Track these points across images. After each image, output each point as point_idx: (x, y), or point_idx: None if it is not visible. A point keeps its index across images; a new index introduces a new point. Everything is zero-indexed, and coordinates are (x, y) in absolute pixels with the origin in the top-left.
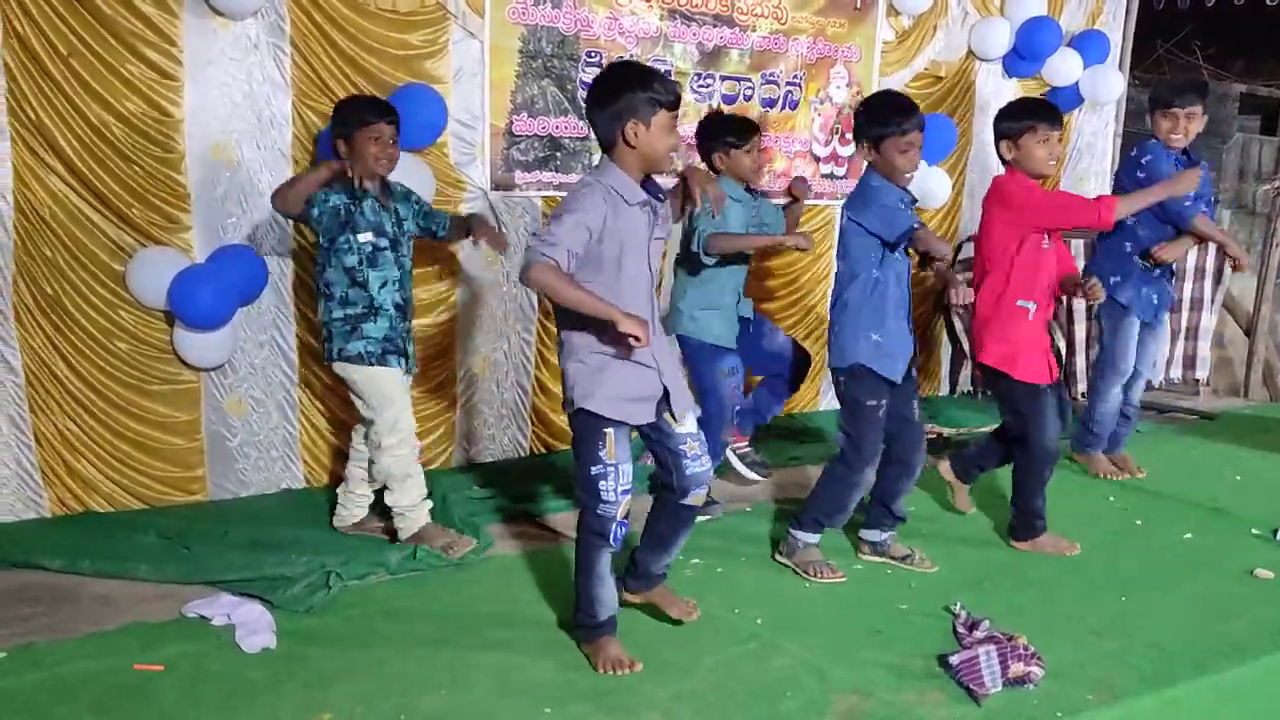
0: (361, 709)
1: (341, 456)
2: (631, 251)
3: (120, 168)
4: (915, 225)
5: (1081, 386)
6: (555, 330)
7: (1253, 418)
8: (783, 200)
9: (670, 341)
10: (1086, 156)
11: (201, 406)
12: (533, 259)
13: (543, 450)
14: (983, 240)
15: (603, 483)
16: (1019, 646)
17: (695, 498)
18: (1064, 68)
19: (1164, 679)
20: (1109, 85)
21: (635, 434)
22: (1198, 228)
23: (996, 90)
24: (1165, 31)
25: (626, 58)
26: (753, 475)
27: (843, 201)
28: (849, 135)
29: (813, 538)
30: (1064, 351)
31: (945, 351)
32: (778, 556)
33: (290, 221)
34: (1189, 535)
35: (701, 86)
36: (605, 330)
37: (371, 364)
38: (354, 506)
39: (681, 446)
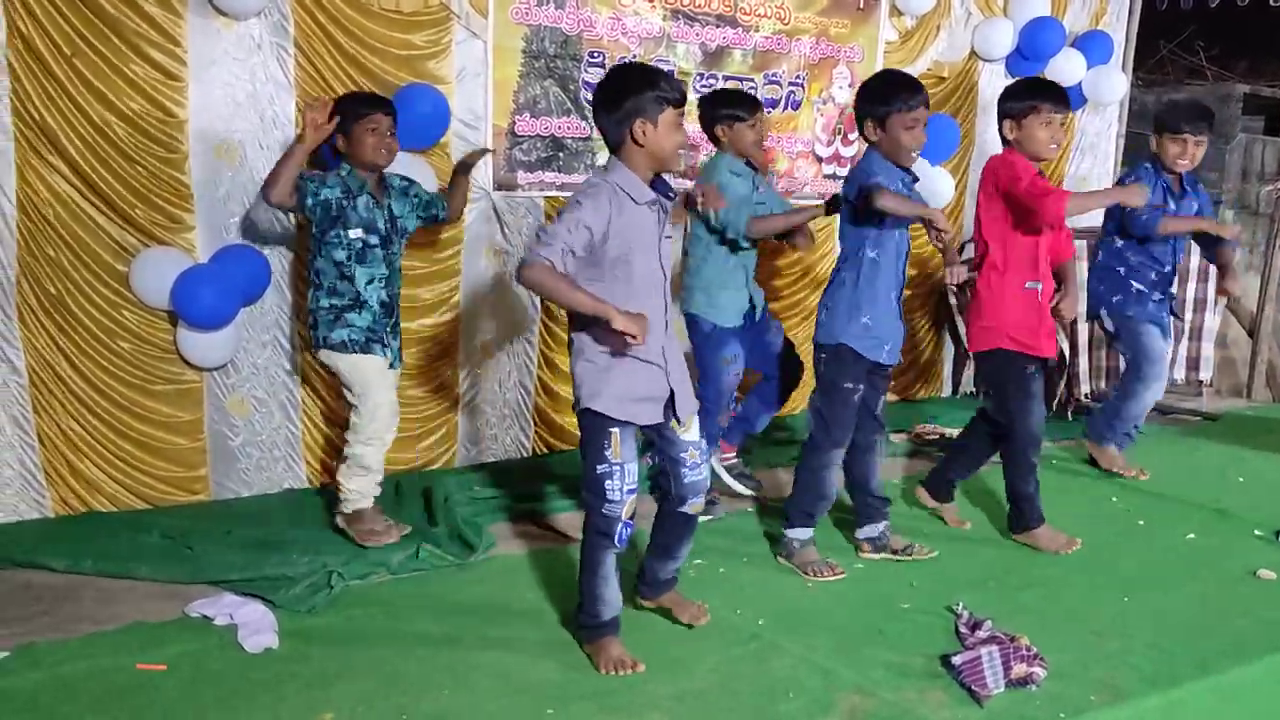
0: (363, 709)
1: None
2: (641, 251)
3: (123, 167)
4: (873, 182)
5: (1084, 388)
6: (557, 330)
7: (1256, 419)
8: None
9: (678, 321)
10: (1089, 157)
11: (204, 406)
12: (528, 259)
13: (545, 450)
14: (978, 224)
15: (608, 482)
16: (1021, 647)
17: (693, 506)
18: (1067, 68)
19: (1166, 679)
20: (1112, 86)
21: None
22: (1168, 229)
23: (999, 91)
24: (1168, 32)
25: (629, 58)
26: (741, 488)
27: None
28: (851, 136)
29: (805, 533)
30: (1066, 353)
31: (948, 352)
32: (779, 558)
33: (292, 220)
34: (1191, 536)
35: (704, 87)
36: (610, 330)
37: (355, 352)
38: None
39: (683, 454)
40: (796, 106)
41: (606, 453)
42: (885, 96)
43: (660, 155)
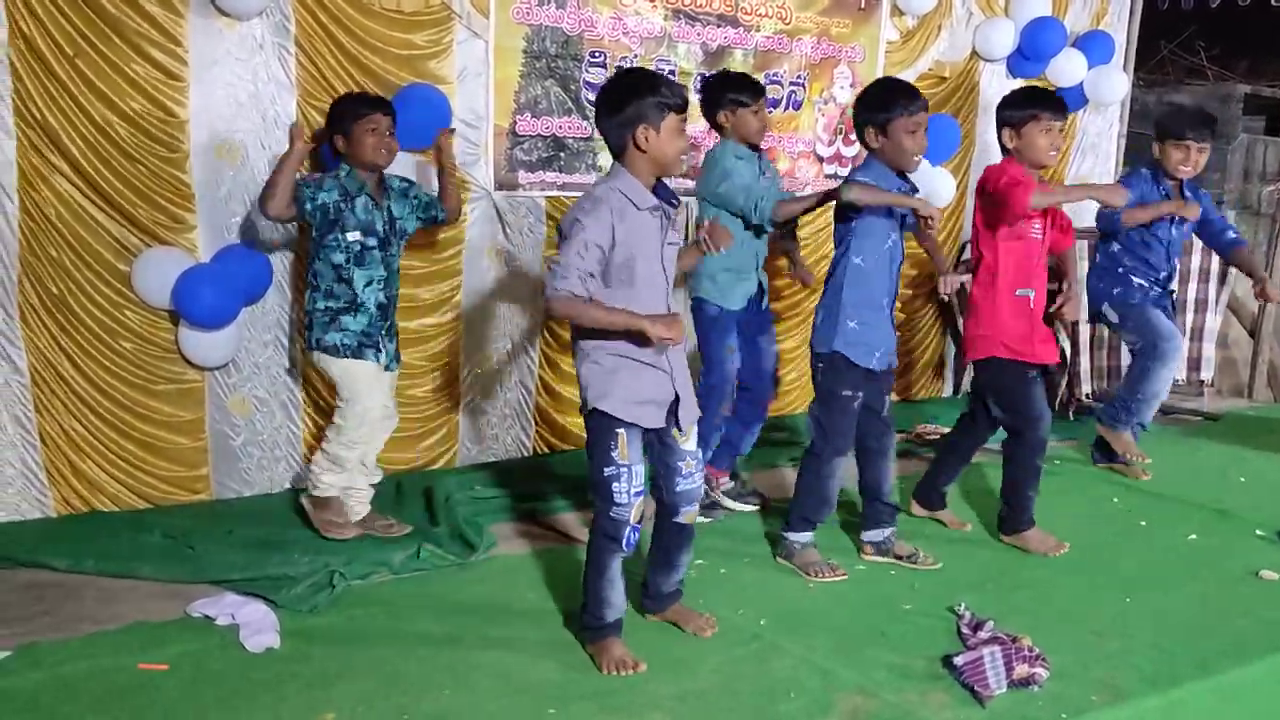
0: (364, 709)
1: None
2: (644, 256)
3: (125, 167)
4: (854, 178)
5: (1086, 388)
6: (559, 330)
7: (1257, 419)
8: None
9: (685, 307)
10: (1090, 157)
11: (206, 406)
12: (550, 295)
13: (546, 450)
14: (974, 230)
15: (615, 484)
16: (1023, 647)
17: (686, 515)
18: (1068, 68)
19: (1167, 680)
20: (1113, 86)
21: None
22: (1133, 219)
23: (1000, 91)
24: (1169, 32)
25: (630, 58)
26: (746, 506)
27: None
28: (853, 136)
29: (805, 536)
30: (1068, 353)
31: (949, 352)
32: (779, 558)
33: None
34: (1193, 536)
35: (702, 81)
36: (618, 334)
37: (346, 356)
38: (354, 502)
39: (679, 463)
40: (798, 106)
41: (614, 454)
42: (886, 102)
43: (663, 161)
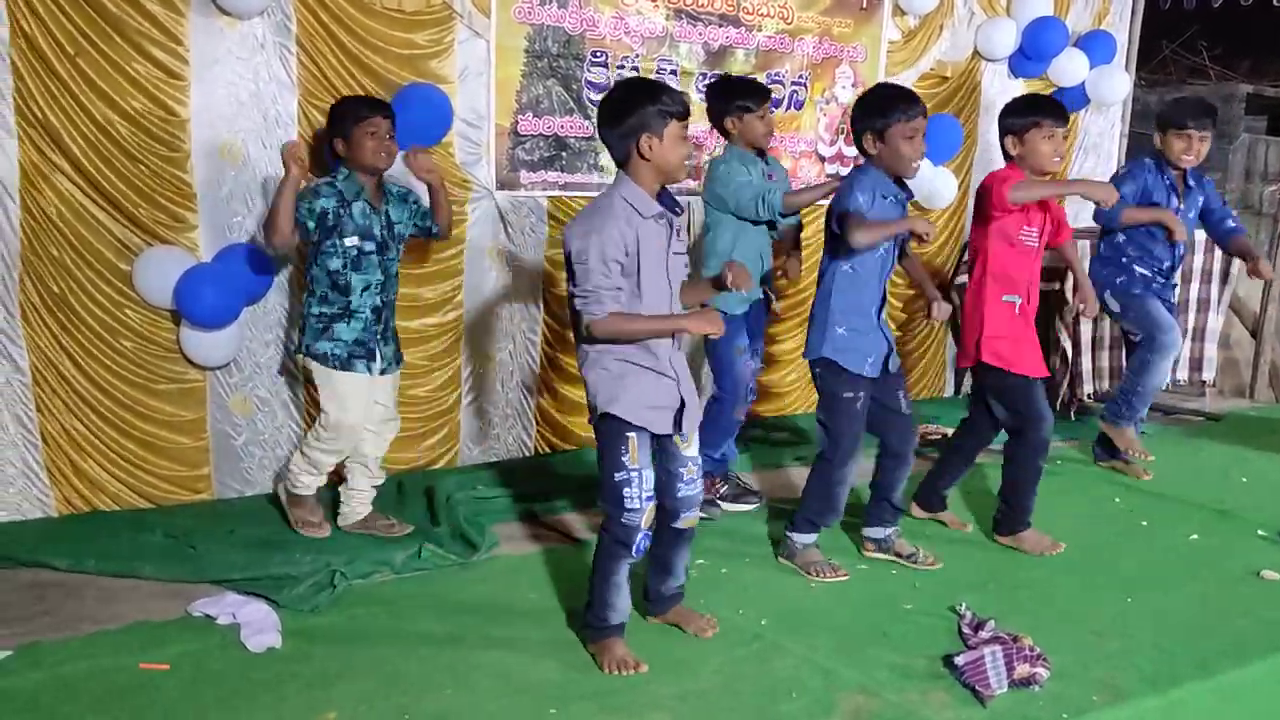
0: (365, 708)
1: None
2: (649, 263)
3: (126, 167)
4: (851, 209)
5: (1088, 388)
6: (560, 330)
7: (1259, 419)
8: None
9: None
10: (1092, 157)
11: (207, 405)
12: (592, 322)
13: (548, 450)
14: (970, 237)
15: (627, 489)
16: (1024, 647)
17: (686, 520)
18: (1070, 68)
19: (1168, 680)
20: (1115, 86)
21: None
22: (1129, 219)
23: (1002, 90)
24: (1171, 32)
25: (632, 57)
26: (745, 506)
27: None
28: None
29: (808, 538)
30: (1070, 353)
31: (949, 353)
32: (780, 558)
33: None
34: (1194, 536)
35: (707, 87)
36: (624, 341)
37: (334, 367)
38: (357, 504)
39: (681, 469)
40: (799, 106)
41: (624, 459)
42: (884, 108)
43: (667, 168)
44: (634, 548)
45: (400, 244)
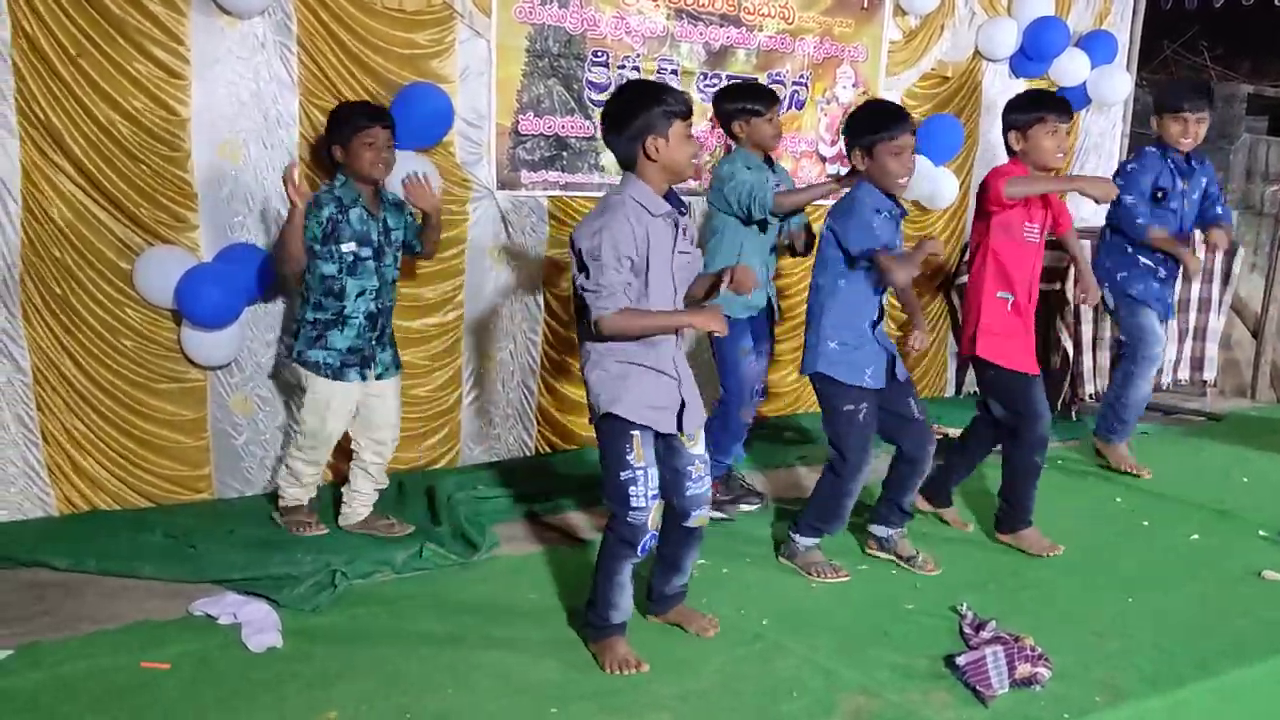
0: (365, 708)
1: (345, 455)
2: (656, 262)
3: (128, 167)
4: (879, 248)
5: (1089, 388)
6: (561, 330)
7: (1260, 419)
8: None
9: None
10: (1093, 157)
11: (208, 405)
12: (601, 318)
13: (548, 450)
14: (971, 233)
15: (632, 488)
16: (1026, 647)
17: (697, 519)
18: (1071, 68)
19: (1169, 680)
20: (1116, 86)
21: None
22: (1152, 238)
23: (1004, 90)
24: (1172, 32)
25: (633, 57)
26: (747, 507)
27: None
28: None
29: (811, 541)
30: (1071, 352)
31: (951, 353)
32: (781, 558)
33: None
34: (1195, 536)
35: (708, 86)
36: (628, 340)
37: (326, 376)
38: (358, 504)
39: (688, 467)
40: (800, 106)
41: (629, 457)
42: (870, 126)
43: (674, 167)
44: (640, 547)
45: (397, 251)
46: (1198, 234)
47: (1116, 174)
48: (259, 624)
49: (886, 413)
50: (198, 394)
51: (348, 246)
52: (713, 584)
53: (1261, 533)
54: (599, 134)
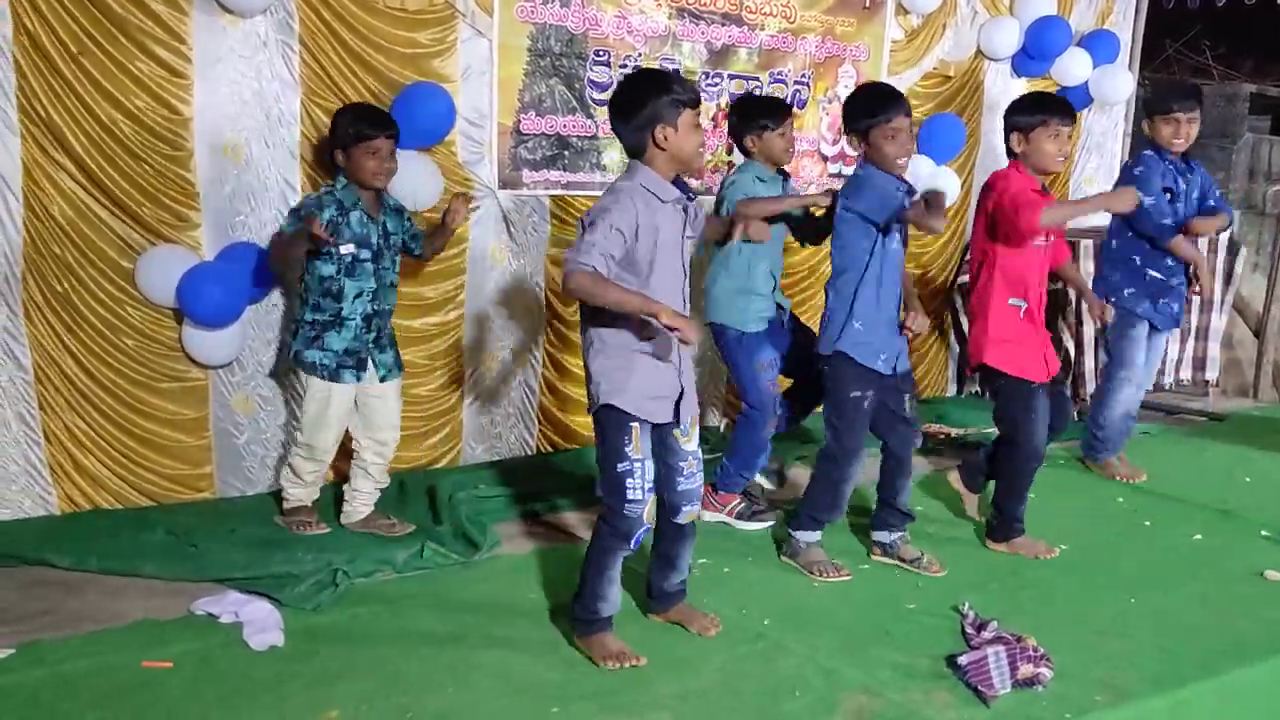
0: (366, 707)
1: (346, 454)
2: (665, 249)
3: (129, 165)
4: (905, 204)
5: (1091, 388)
6: (563, 329)
7: (1262, 419)
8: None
9: (703, 329)
10: (1095, 156)
11: (209, 404)
12: (570, 269)
13: (550, 449)
14: (974, 237)
15: (629, 480)
16: (1028, 647)
17: (687, 515)
18: (1073, 67)
19: (1172, 680)
20: (1118, 85)
21: None
22: (1176, 248)
23: (1005, 90)
24: (1174, 31)
25: (634, 56)
26: (759, 525)
27: None
28: None
29: (812, 536)
30: (1072, 353)
31: (952, 351)
32: (783, 557)
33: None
34: (1197, 536)
35: (710, 85)
36: (634, 326)
37: (323, 377)
38: (359, 503)
39: (681, 464)
40: (802, 105)
41: (627, 449)
42: (864, 110)
43: (682, 157)
44: (633, 540)
45: (395, 254)
46: (1203, 248)
47: (1120, 179)
48: (261, 623)
49: (881, 407)
50: (199, 393)
51: (346, 248)
52: (714, 583)
53: (1264, 533)
54: (601, 133)
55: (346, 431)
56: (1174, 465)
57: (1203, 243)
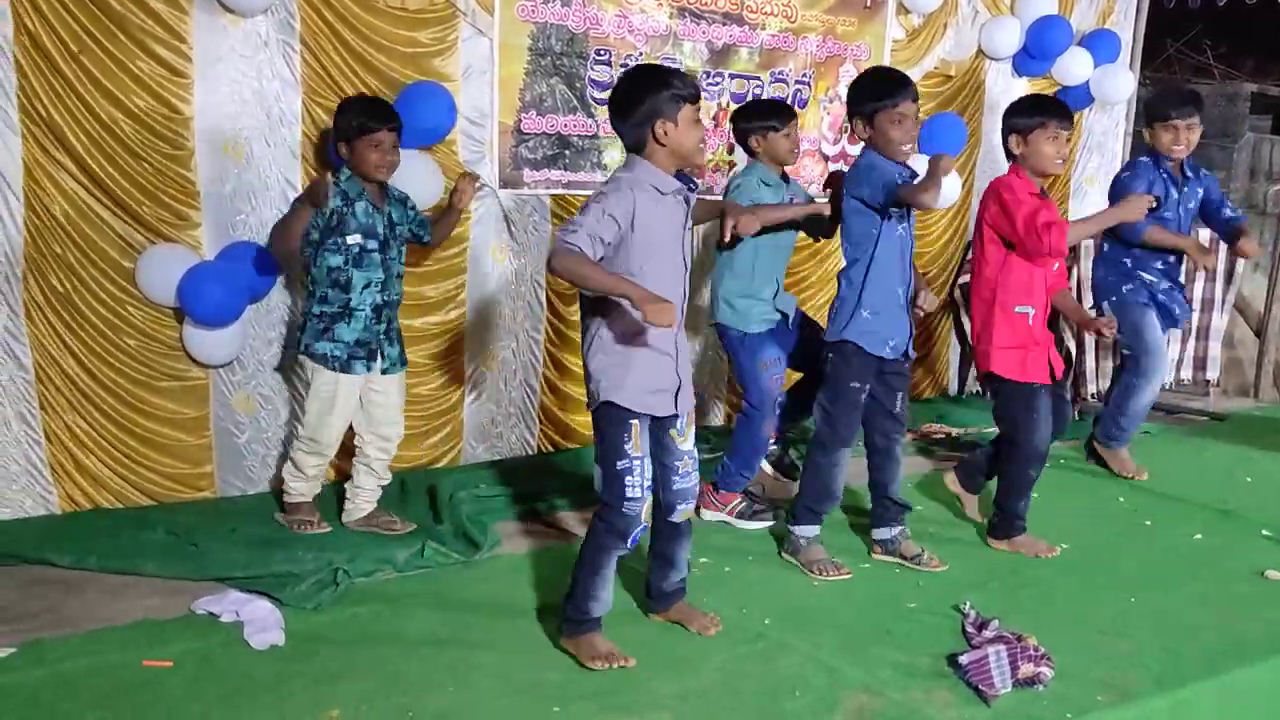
0: (367, 707)
1: (348, 453)
2: (666, 241)
3: (130, 164)
4: (898, 180)
5: (1091, 388)
6: (564, 329)
7: (1263, 419)
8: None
9: (708, 329)
10: (1096, 156)
11: (210, 403)
12: (557, 247)
13: (551, 449)
14: (976, 242)
15: (628, 478)
16: (1029, 647)
17: (682, 513)
18: (1074, 67)
19: (1173, 680)
20: (1119, 85)
21: None
22: (1152, 238)
23: (1006, 89)
24: (1175, 31)
25: (635, 56)
26: (760, 524)
27: None
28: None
29: (811, 530)
30: (1073, 353)
31: (954, 351)
32: (784, 555)
33: None
34: (1198, 536)
35: (711, 85)
36: (631, 318)
37: (334, 369)
38: (361, 500)
39: (677, 463)
40: (803, 105)
41: (627, 446)
42: (871, 94)
43: (683, 152)
44: (630, 538)
45: (402, 244)
46: (1204, 233)
47: (1112, 187)
48: (261, 622)
49: (871, 400)
50: (200, 392)
51: (353, 238)
52: (714, 582)
53: (1264, 533)
54: (602, 133)
55: (348, 430)
56: (1175, 465)
57: (1203, 242)
